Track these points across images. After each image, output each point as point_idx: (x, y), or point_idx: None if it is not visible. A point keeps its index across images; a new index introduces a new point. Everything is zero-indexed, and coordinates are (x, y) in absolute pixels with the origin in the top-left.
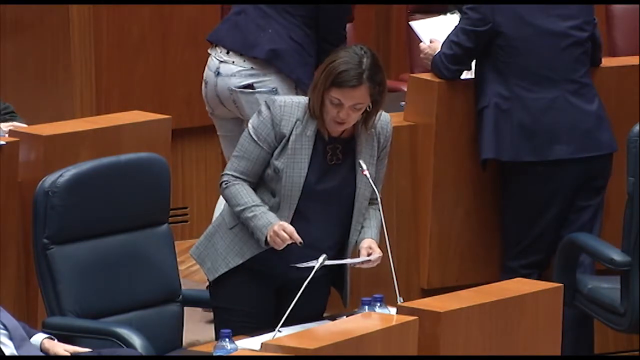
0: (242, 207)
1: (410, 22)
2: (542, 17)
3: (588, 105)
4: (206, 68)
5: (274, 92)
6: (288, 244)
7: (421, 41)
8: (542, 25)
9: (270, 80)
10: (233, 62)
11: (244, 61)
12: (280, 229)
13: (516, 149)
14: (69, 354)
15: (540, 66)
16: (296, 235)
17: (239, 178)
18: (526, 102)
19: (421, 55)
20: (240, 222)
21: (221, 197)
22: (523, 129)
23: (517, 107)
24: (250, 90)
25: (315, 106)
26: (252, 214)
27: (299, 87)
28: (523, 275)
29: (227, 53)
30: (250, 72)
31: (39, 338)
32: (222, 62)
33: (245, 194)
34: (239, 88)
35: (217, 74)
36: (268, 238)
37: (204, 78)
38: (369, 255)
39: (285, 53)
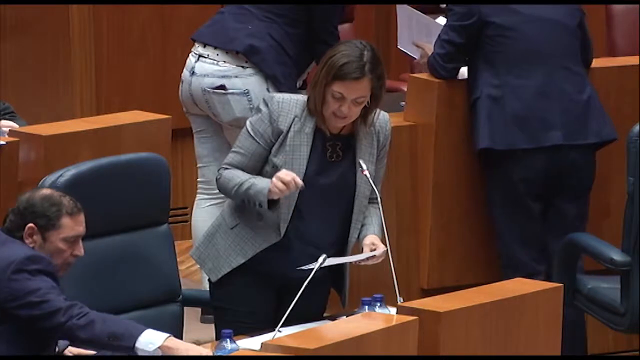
0: (237, 185)
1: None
2: (528, 5)
3: (578, 92)
4: (184, 68)
5: (246, 94)
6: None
7: (414, 59)
8: (529, 12)
9: (242, 82)
10: (208, 55)
11: (218, 55)
12: (279, 180)
13: (510, 137)
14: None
15: (529, 53)
16: (297, 179)
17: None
18: (516, 89)
19: (420, 62)
20: (241, 221)
21: (195, 212)
22: (515, 116)
23: (508, 95)
24: (223, 92)
25: (316, 102)
26: (248, 184)
27: (273, 85)
28: (526, 263)
29: (204, 47)
30: (222, 70)
31: (156, 338)
32: (199, 57)
33: (237, 174)
34: (212, 89)
35: (192, 73)
36: (270, 188)
37: (182, 78)
38: (372, 251)
39: (263, 50)
